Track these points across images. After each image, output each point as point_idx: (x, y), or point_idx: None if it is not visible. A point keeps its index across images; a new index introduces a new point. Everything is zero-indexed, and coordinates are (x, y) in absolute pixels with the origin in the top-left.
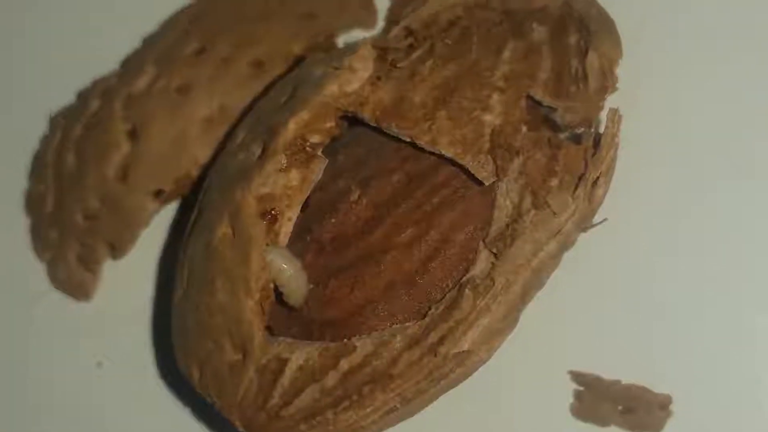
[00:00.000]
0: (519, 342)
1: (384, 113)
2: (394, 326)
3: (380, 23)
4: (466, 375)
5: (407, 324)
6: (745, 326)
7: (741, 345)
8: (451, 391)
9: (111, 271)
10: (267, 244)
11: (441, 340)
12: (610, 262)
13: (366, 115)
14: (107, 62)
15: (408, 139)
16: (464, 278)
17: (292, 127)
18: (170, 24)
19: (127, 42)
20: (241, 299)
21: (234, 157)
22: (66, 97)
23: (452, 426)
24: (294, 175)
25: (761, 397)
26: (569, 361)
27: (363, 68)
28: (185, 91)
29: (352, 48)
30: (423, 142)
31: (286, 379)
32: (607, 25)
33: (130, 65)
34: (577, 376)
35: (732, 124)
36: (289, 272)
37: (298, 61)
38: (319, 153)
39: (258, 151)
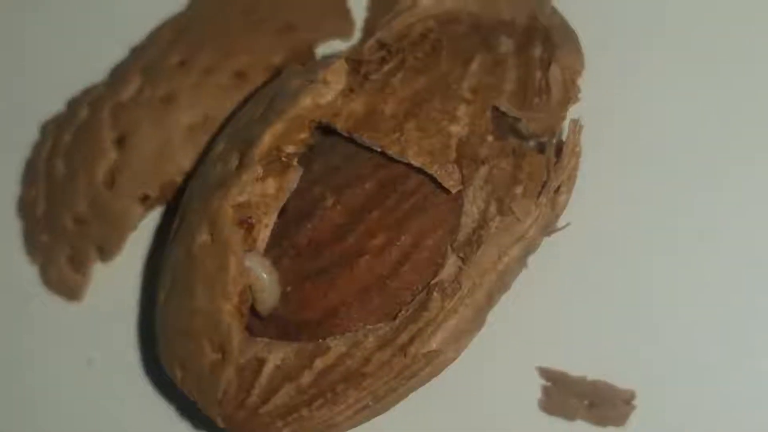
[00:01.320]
0: (488, 340)
1: (356, 124)
2: (366, 327)
3: (357, 34)
4: (435, 374)
5: (379, 325)
6: (707, 323)
7: (702, 341)
8: (422, 389)
9: (100, 273)
10: (248, 250)
11: (411, 341)
12: (574, 264)
13: (339, 126)
14: (96, 72)
15: (379, 149)
16: (433, 281)
17: (267, 138)
18: (156, 35)
19: (116, 53)
20: (219, 303)
21: (213, 167)
22: (56, 106)
23: (423, 422)
24: (270, 184)
25: (722, 393)
26: (537, 358)
27: (336, 81)
28: (170, 101)
29: (326, 62)
30: (392, 152)
31: (264, 378)
32: (570, 38)
33: (118, 75)
34: (544, 373)
35: (692, 131)
36: (265, 282)
37: (279, 71)
38: (295, 162)
39: (235, 161)
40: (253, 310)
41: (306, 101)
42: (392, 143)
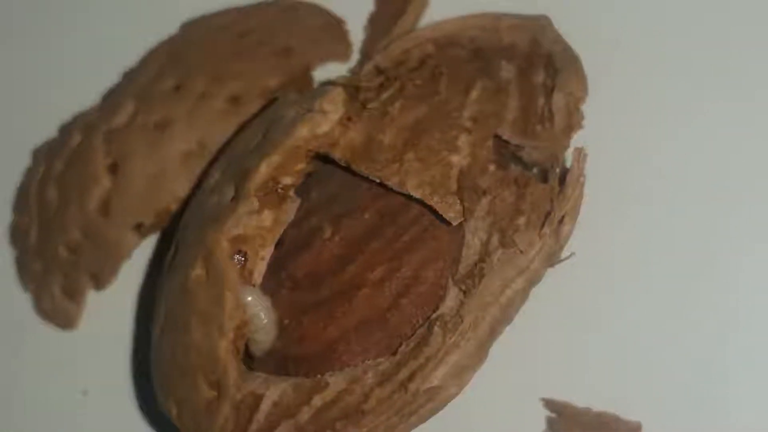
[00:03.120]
0: (492, 372)
1: (354, 154)
2: (366, 362)
3: (355, 56)
4: (436, 410)
5: (379, 360)
6: (714, 353)
7: (709, 373)
8: (425, 423)
9: (94, 301)
10: (253, 285)
11: (411, 377)
12: (579, 294)
13: (336, 155)
14: (88, 97)
15: (378, 180)
16: (434, 315)
17: (263, 170)
18: (149, 59)
19: (108, 77)
20: (215, 339)
21: (208, 199)
22: (48, 132)
23: None
24: (266, 216)
25: (729, 425)
26: (541, 389)
27: (333, 110)
28: (164, 127)
29: (323, 90)
30: (392, 183)
31: (261, 415)
32: (573, 64)
33: (111, 100)
34: (549, 404)
35: (698, 158)
36: (262, 322)
37: (275, 95)
38: (291, 194)
39: (231, 193)
40: (246, 351)
41: (302, 131)
42: (391, 174)
